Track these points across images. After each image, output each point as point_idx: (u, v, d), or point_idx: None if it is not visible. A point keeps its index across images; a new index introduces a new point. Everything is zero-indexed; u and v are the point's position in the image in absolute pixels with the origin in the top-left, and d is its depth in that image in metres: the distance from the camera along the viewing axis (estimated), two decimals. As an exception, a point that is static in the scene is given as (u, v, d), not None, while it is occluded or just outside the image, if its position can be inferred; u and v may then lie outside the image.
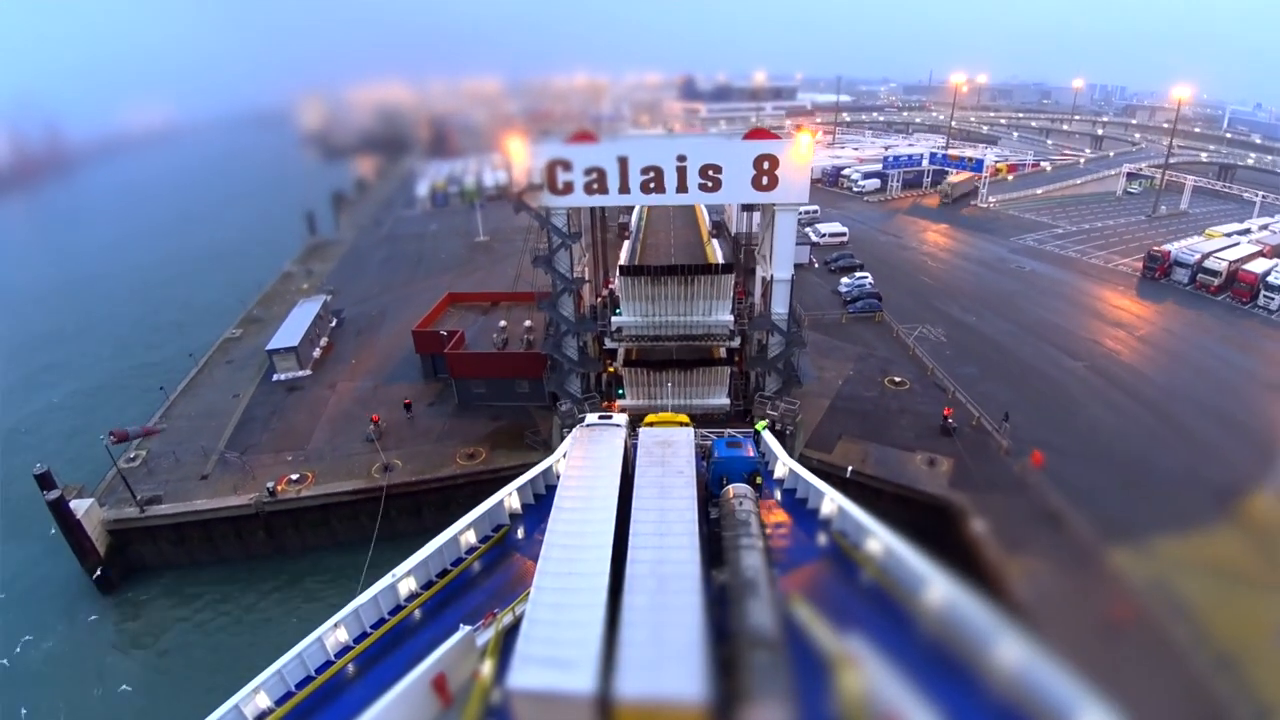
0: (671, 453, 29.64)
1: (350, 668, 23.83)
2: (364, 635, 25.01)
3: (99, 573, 38.55)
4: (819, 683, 19.69)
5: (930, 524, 36.30)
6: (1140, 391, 48.44)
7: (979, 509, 36.46)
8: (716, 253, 60.48)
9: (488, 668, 21.44)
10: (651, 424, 33.74)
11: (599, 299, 48.01)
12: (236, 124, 74.33)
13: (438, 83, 73.97)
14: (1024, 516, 36.18)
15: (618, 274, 45.85)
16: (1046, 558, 33.35)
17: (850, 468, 40.02)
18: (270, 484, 40.70)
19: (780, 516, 31.06)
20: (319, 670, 23.63)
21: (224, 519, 40.37)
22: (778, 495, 32.72)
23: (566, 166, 38.60)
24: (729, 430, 38.84)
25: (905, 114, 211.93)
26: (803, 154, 37.97)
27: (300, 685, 23.15)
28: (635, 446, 31.07)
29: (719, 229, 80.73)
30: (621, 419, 33.12)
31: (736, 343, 44.90)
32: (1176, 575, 31.80)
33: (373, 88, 68.44)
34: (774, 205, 39.95)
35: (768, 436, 36.47)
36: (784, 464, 33.38)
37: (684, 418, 35.47)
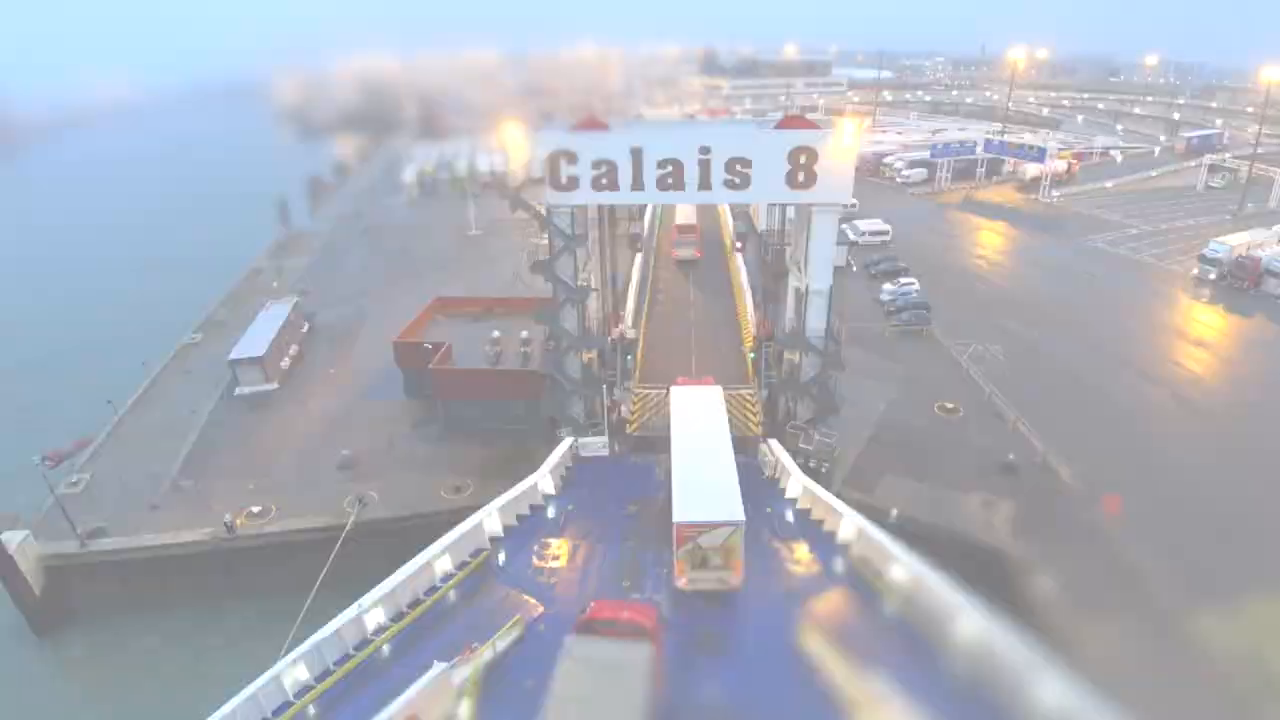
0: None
1: (311, 709, 23.71)
2: (326, 673, 24.85)
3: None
4: None
5: (986, 578, 34.88)
6: (1229, 425, 46.95)
7: (1044, 562, 35.23)
8: (745, 292, 60.07)
9: (465, 709, 21.42)
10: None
11: (610, 341, 46.44)
12: (204, 98, 73.85)
13: (430, 55, 73.61)
14: (1097, 572, 34.86)
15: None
16: (1122, 622, 32.05)
17: (895, 511, 38.77)
18: (228, 517, 39.91)
19: (793, 542, 31.24)
20: (276, 713, 23.43)
21: (176, 556, 39.61)
22: (789, 515, 32.32)
23: (571, 159, 37.43)
24: None
25: (955, 92, 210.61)
26: (846, 146, 36.65)
27: None
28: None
29: (743, 231, 79.88)
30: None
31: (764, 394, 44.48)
32: (1271, 643, 30.62)
33: (357, 59, 68.07)
34: (811, 206, 38.87)
35: (777, 449, 35.97)
36: (797, 480, 33.21)
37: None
